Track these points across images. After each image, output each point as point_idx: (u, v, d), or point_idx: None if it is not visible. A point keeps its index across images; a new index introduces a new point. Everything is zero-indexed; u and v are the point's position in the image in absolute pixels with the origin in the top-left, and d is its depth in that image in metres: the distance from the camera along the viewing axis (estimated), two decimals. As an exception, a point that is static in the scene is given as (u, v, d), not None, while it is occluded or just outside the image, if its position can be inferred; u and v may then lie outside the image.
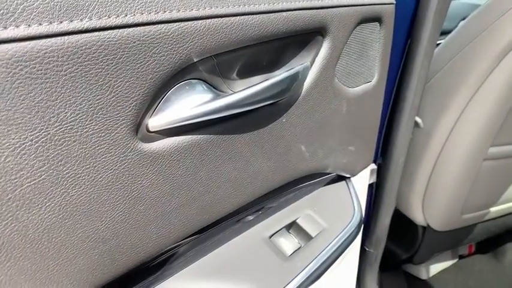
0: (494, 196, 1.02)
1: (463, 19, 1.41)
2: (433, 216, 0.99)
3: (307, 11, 0.38)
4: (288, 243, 0.50)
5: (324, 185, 0.59)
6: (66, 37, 0.24)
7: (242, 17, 0.33)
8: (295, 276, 0.45)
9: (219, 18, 0.31)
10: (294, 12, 0.37)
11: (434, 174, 0.93)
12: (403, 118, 0.75)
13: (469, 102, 0.80)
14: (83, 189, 0.28)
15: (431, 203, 0.97)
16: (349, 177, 0.62)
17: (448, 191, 0.93)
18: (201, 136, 0.36)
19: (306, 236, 0.52)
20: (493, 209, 1.05)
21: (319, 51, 0.43)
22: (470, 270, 1.35)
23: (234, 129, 0.38)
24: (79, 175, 0.28)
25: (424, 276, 1.32)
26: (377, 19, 0.47)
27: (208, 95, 0.35)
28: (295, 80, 0.40)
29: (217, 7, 0.31)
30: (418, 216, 1.02)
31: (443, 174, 0.91)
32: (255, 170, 0.43)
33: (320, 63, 0.43)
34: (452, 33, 0.83)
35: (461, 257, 1.40)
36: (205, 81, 0.35)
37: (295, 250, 0.49)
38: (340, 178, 0.61)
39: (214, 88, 0.36)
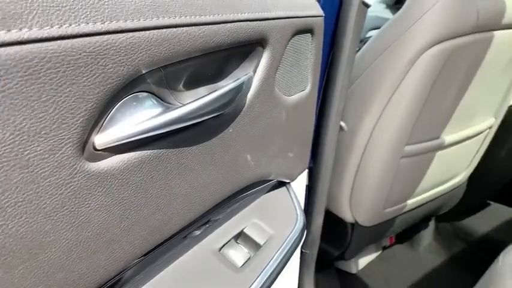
0: (411, 190, 1.13)
1: (372, 29, 1.56)
2: (360, 213, 1.06)
3: (249, 22, 0.39)
4: (238, 254, 0.50)
5: (266, 192, 0.60)
6: (3, 49, 0.21)
7: (190, 27, 0.32)
8: (250, 287, 0.45)
9: (168, 29, 0.30)
10: (237, 23, 0.37)
11: (359, 174, 1.00)
12: (330, 123, 0.80)
13: (386, 106, 0.88)
14: (24, 219, 0.25)
15: (358, 201, 1.04)
16: (288, 183, 0.64)
17: (372, 189, 1.01)
18: (151, 152, 0.34)
19: (254, 245, 0.52)
20: (410, 202, 1.16)
21: (260, 62, 0.44)
22: (393, 260, 1.48)
23: (183, 142, 0.37)
24: (19, 204, 0.25)
25: (354, 270, 1.41)
26: (309, 31, 0.50)
27: (157, 109, 0.34)
28: (240, 90, 0.40)
29: (164, 17, 0.30)
30: (346, 214, 1.09)
31: (367, 174, 0.99)
32: (205, 182, 0.42)
33: (261, 73, 0.44)
34: (369, 41, 0.91)
35: (384, 248, 1.53)
36: (153, 93, 0.34)
37: (246, 260, 0.49)
38: (280, 184, 0.62)
39: (162, 101, 0.35)
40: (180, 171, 0.38)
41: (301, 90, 0.54)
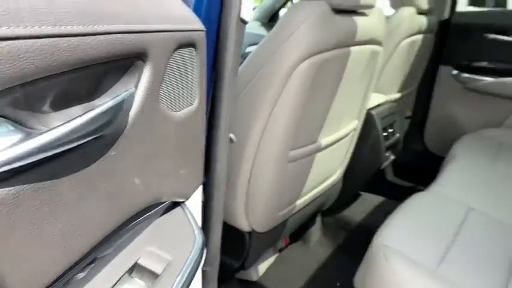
0: (299, 191, 1.20)
1: (250, 45, 1.63)
2: (256, 220, 1.08)
3: (126, 35, 0.35)
4: (134, 289, 0.45)
5: (160, 215, 0.56)
6: None
7: (52, 39, 0.28)
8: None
9: (23, 40, 0.25)
10: (112, 35, 0.34)
11: (251, 183, 1.02)
12: (220, 136, 0.80)
13: (269, 116, 0.92)
14: None
15: (253, 209, 1.06)
16: (183, 202, 0.61)
17: (265, 195, 1.04)
18: (11, 189, 0.28)
19: (151, 275, 0.47)
20: (298, 202, 1.23)
21: (141, 77, 0.41)
22: (289, 260, 1.55)
23: (56, 172, 0.32)
24: None
25: (254, 278, 1.43)
26: (192, 45, 0.49)
27: (16, 136, 0.28)
28: (121, 108, 0.36)
29: (19, 27, 0.25)
30: (243, 223, 1.10)
31: (260, 181, 1.01)
32: (87, 216, 0.36)
33: (144, 89, 0.41)
34: (249, 56, 0.94)
35: (280, 250, 1.59)
36: (9, 118, 0.28)
37: (144, 294, 0.44)
38: (174, 204, 0.59)
39: (22, 126, 0.29)
40: (54, 207, 0.32)
41: (189, 105, 0.53)
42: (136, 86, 0.40)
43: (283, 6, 2.31)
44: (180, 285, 0.47)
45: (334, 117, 1.15)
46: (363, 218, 1.74)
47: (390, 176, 2.26)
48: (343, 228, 1.70)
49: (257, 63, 0.91)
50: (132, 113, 0.40)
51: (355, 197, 1.86)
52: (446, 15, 2.05)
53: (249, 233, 1.12)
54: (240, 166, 0.99)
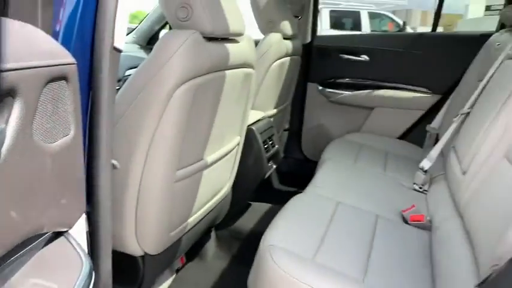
0: (189, 209, 1.24)
1: (130, 68, 1.63)
2: (147, 243, 1.09)
3: (-7, 74, 0.37)
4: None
5: (43, 246, 0.55)
6: None
7: None
8: None
9: None
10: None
11: (140, 207, 1.03)
12: (101, 163, 0.80)
13: (152, 139, 0.96)
14: None
15: (143, 232, 1.07)
16: (66, 231, 0.61)
17: (155, 218, 1.06)
18: None
19: None
20: (190, 220, 1.28)
21: (12, 113, 0.42)
22: (187, 279, 1.57)
23: None
24: None
25: (153, 302, 1.41)
26: (63, 78, 0.51)
27: None
28: (-8, 145, 0.38)
29: None
30: (134, 248, 1.10)
31: (147, 204, 1.03)
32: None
33: (15, 125, 0.42)
34: (128, 80, 0.97)
35: (177, 270, 1.60)
36: None
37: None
38: (58, 234, 0.59)
39: None
40: None
41: (65, 135, 0.54)
42: (6, 122, 0.41)
43: (161, 28, 2.36)
44: None
45: (217, 135, 1.23)
46: (254, 225, 1.86)
47: (276, 184, 2.45)
48: (237, 238, 1.79)
49: (137, 87, 0.94)
50: (4, 148, 0.41)
51: (246, 207, 1.98)
52: (308, 39, 2.35)
53: (142, 257, 1.12)
54: (126, 191, 1.00)
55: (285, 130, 2.49)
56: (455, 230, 1.14)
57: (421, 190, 1.56)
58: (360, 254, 1.05)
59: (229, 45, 1.14)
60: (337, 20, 9.11)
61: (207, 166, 1.23)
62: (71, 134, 0.55)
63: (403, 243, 1.17)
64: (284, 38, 1.87)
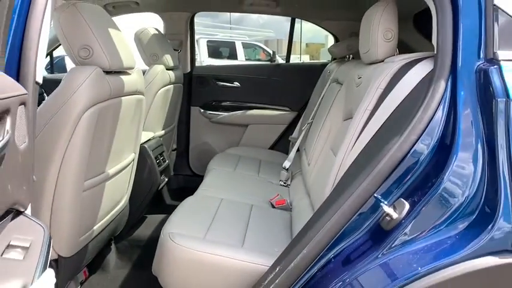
0: (95, 217, 1.43)
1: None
2: (62, 246, 1.25)
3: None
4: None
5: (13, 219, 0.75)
6: None
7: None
8: None
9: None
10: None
11: (54, 213, 1.20)
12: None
13: (64, 155, 1.16)
14: None
15: (58, 237, 1.24)
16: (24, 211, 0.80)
17: (67, 223, 1.24)
18: None
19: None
20: (95, 227, 1.46)
21: (6, 125, 0.65)
22: (92, 290, 1.70)
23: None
24: None
25: (61, 312, 1.51)
26: (23, 103, 0.74)
27: None
28: None
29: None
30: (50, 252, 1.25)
31: (60, 211, 1.21)
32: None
33: (10, 133, 0.65)
34: (42, 105, 1.15)
35: (81, 283, 1.72)
36: None
37: None
38: (19, 213, 0.78)
39: None
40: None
41: (24, 143, 0.75)
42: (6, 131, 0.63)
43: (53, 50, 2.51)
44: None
45: (116, 151, 1.46)
46: (151, 234, 2.08)
47: (168, 200, 2.70)
48: (137, 247, 1.98)
49: (50, 111, 1.14)
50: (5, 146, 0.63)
51: (142, 219, 2.18)
52: (188, 69, 2.71)
53: (56, 260, 1.27)
54: (42, 201, 1.17)
55: (173, 150, 2.76)
56: (305, 205, 1.59)
57: (285, 185, 2.01)
58: (239, 231, 1.40)
59: (123, 77, 1.40)
60: (214, 50, 9.71)
61: (108, 178, 1.45)
62: (26, 141, 0.77)
63: (271, 221, 1.56)
64: (167, 69, 2.18)
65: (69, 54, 1.28)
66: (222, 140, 2.78)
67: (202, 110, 2.76)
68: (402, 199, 0.83)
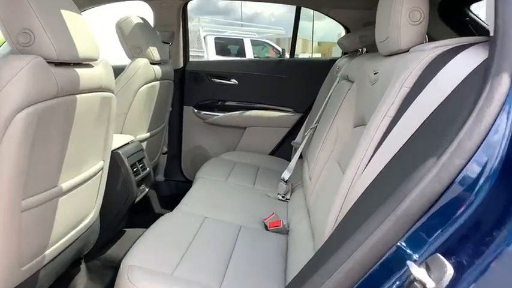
0: (45, 240, 1.17)
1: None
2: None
3: None
4: None
5: None
6: None
7: None
8: None
9: None
10: None
11: None
12: None
13: None
14: None
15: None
16: None
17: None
18: None
19: None
20: (48, 252, 1.20)
21: None
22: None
23: None
24: None
25: None
26: None
27: None
28: None
29: None
30: None
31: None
32: None
33: None
34: None
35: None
36: None
37: None
38: None
39: None
40: None
41: None
42: None
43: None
44: None
45: (73, 160, 1.20)
46: (127, 252, 1.81)
47: (157, 208, 2.43)
48: (110, 267, 1.72)
49: None
50: None
51: (119, 234, 1.92)
52: (180, 64, 2.44)
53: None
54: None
55: (163, 153, 2.50)
56: (304, 228, 1.30)
57: (283, 199, 1.73)
58: (219, 263, 1.13)
59: (81, 70, 1.14)
60: (222, 47, 9.48)
61: (63, 193, 1.19)
62: None
63: (262, 249, 1.28)
64: (152, 63, 1.92)
65: (7, 40, 1.02)
66: (218, 144, 2.51)
67: (196, 110, 2.49)
68: (440, 255, 0.54)
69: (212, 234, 1.30)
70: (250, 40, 10.19)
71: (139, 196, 1.73)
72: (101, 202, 1.50)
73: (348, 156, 1.08)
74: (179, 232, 1.27)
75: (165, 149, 2.50)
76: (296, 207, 1.55)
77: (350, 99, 1.32)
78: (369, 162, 0.82)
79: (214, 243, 1.24)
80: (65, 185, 1.18)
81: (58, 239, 1.25)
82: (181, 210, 1.45)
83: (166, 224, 1.32)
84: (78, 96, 1.12)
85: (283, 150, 2.46)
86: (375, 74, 1.06)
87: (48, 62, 1.01)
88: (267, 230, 1.41)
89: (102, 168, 1.43)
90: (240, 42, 9.97)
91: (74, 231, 1.35)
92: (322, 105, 1.80)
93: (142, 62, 1.83)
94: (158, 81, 1.99)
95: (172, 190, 2.56)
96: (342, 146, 1.29)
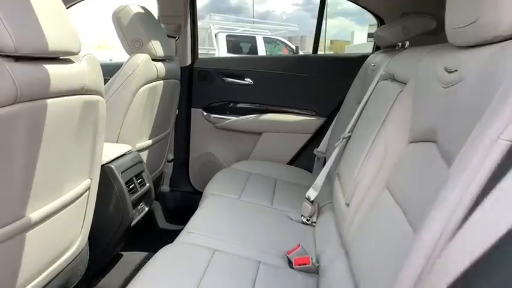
0: (14, 278, 0.92)
1: None
2: None
3: None
4: None
5: None
6: None
7: None
8: None
9: None
10: None
11: None
12: None
13: None
14: None
15: None
16: None
17: None
18: None
19: None
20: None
21: None
22: None
23: None
24: None
25: None
26: None
27: None
28: None
29: None
30: None
31: None
32: None
33: None
34: None
35: None
36: None
37: None
38: None
39: None
40: None
41: None
42: None
43: None
44: None
45: (47, 182, 0.94)
46: (125, 279, 1.55)
47: (162, 223, 2.17)
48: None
49: None
50: None
51: (115, 258, 1.65)
52: (188, 61, 2.16)
53: None
54: None
55: (169, 161, 2.23)
56: (341, 271, 1.01)
57: (308, 223, 1.44)
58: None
59: (54, 67, 0.87)
60: (234, 45, 9.23)
61: (36, 223, 0.93)
62: None
63: (287, 294, 1.00)
64: (155, 59, 1.64)
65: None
66: (229, 151, 2.23)
67: (205, 113, 2.21)
68: None
69: (225, 273, 1.02)
70: (263, 38, 9.91)
71: (137, 217, 1.47)
72: (89, 228, 1.23)
73: (403, 179, 0.79)
74: (181, 273, 1.00)
75: (171, 157, 2.23)
76: (326, 236, 1.26)
77: (403, 105, 1.02)
78: (471, 214, 0.51)
79: (228, 284, 0.97)
80: (36, 214, 0.92)
81: (34, 276, 1.00)
82: (185, 242, 1.17)
83: (167, 261, 1.04)
84: (49, 101, 0.85)
85: (303, 159, 2.17)
86: (449, 72, 0.76)
87: (1, 56, 0.74)
88: (292, 267, 1.13)
89: (88, 188, 1.16)
90: (252, 40, 9.69)
91: (55, 265, 1.09)
92: (356, 110, 1.50)
93: (142, 57, 1.56)
94: (162, 81, 1.72)
95: (178, 202, 2.30)
96: (391, 166, 0.99)
